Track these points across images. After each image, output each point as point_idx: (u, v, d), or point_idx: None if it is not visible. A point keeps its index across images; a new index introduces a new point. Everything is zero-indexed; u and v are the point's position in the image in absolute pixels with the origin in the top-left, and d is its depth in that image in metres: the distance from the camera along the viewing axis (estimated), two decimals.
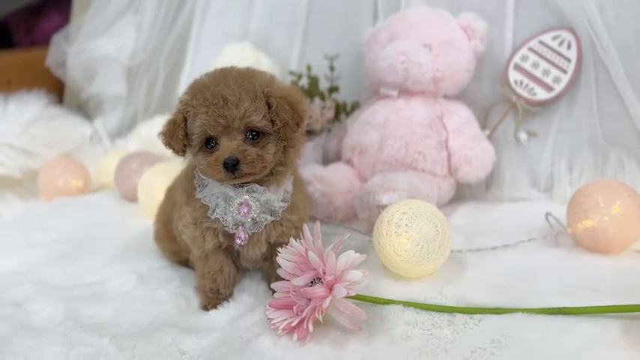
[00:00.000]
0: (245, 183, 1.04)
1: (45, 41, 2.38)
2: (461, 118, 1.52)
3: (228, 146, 0.99)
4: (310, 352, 0.95)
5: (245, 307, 1.14)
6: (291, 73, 1.74)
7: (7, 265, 1.40)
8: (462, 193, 1.60)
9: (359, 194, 1.39)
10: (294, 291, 1.04)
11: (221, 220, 1.07)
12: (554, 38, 1.55)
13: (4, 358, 0.99)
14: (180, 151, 1.04)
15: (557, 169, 1.56)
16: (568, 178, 1.55)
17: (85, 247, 1.47)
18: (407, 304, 1.06)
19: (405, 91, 1.53)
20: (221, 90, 0.99)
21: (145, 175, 1.60)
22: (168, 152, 1.09)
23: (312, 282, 1.02)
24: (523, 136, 1.59)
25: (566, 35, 1.54)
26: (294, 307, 1.02)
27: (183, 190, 1.14)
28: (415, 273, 1.15)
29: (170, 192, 1.29)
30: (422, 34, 1.51)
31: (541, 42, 1.57)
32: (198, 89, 1.02)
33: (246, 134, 1.00)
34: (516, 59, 1.59)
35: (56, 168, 1.88)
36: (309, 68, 1.71)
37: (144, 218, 1.57)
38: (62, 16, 2.52)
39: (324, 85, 1.71)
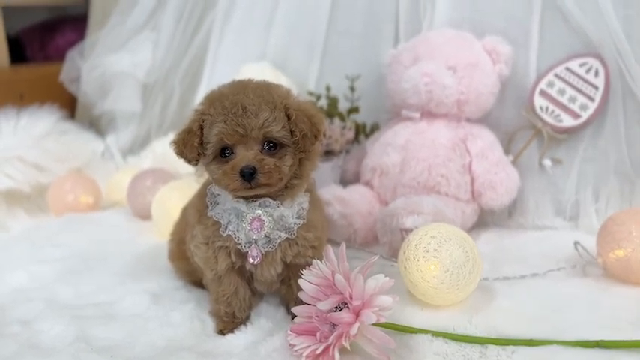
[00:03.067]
0: (258, 196, 1.01)
1: (58, 57, 2.37)
2: (485, 142, 1.49)
3: (245, 155, 0.96)
4: None
5: (263, 332, 1.09)
6: (310, 93, 1.72)
7: (16, 280, 1.35)
8: (484, 220, 1.55)
9: (381, 217, 1.35)
10: (317, 316, 0.99)
11: (233, 236, 1.03)
12: (582, 65, 1.53)
13: None
14: (194, 160, 1.01)
15: (583, 197, 1.53)
16: (594, 206, 1.51)
17: (97, 264, 1.42)
18: (436, 334, 1.02)
19: (427, 114, 1.50)
20: (240, 99, 0.97)
21: (159, 193, 1.56)
22: (183, 168, 1.07)
23: (337, 307, 0.98)
24: (548, 163, 1.55)
25: (594, 62, 1.52)
26: (318, 333, 0.97)
27: (196, 210, 1.11)
28: (444, 301, 1.10)
29: (184, 212, 1.26)
30: (446, 56, 1.49)
31: (568, 68, 1.55)
32: (216, 98, 1.00)
33: (263, 145, 0.98)
34: (542, 85, 1.56)
35: (66, 183, 1.84)
36: (328, 89, 1.69)
37: (157, 236, 1.54)
38: (77, 33, 2.51)
39: (342, 105, 1.68)
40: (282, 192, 1.02)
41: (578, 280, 1.24)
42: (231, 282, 1.10)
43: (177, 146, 1.03)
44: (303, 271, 1.00)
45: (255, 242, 1.04)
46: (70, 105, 2.32)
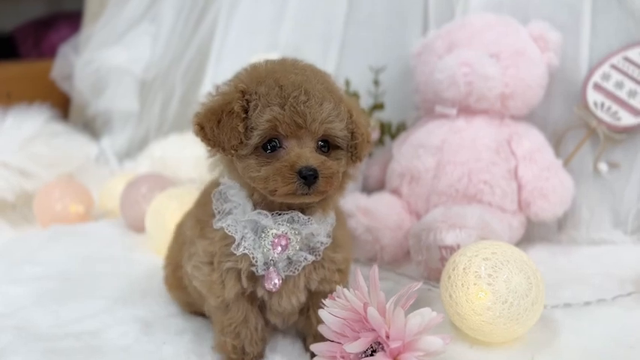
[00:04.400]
0: (289, 207, 0.85)
1: (52, 54, 2.23)
2: (533, 143, 1.29)
3: (302, 153, 0.79)
4: None
5: None
6: None
7: None
8: (528, 234, 1.35)
9: (414, 231, 1.15)
10: (343, 357, 0.79)
11: (250, 255, 0.84)
12: None
13: None
14: (232, 149, 0.80)
15: None
16: None
17: (81, 286, 1.25)
18: None
19: (465, 110, 1.30)
20: (302, 81, 0.80)
21: (154, 201, 1.38)
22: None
23: (369, 348, 0.78)
24: (604, 167, 1.35)
25: None
26: None
27: (196, 221, 0.92)
28: (499, 337, 0.90)
29: (179, 229, 1.05)
30: (488, 42, 1.30)
31: (626, 58, 1.35)
32: (269, 76, 0.81)
33: (317, 143, 0.81)
34: (596, 78, 1.36)
35: (55, 191, 1.67)
36: (347, 83, 1.49)
37: (152, 252, 1.37)
38: (72, 29, 2.37)
39: (365, 102, 1.49)
40: (315, 204, 0.85)
41: None
42: (240, 309, 0.91)
43: (209, 128, 0.81)
44: (326, 301, 0.82)
45: (275, 264, 0.86)
46: (63, 105, 2.17)
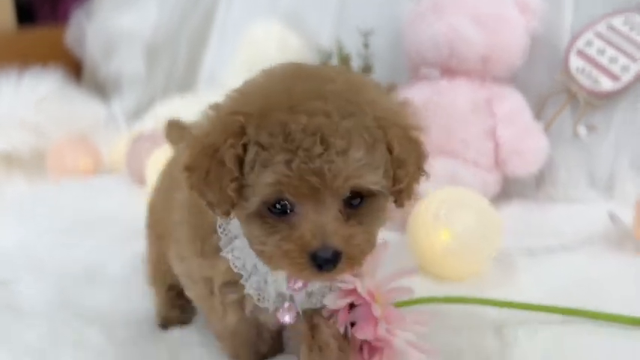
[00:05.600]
0: None
1: (67, 20, 2.28)
2: (513, 105, 1.35)
3: (319, 223, 0.57)
4: None
5: None
6: (320, 50, 1.59)
7: (1, 243, 1.30)
8: (508, 190, 1.41)
9: None
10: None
11: (255, 296, 0.69)
12: (625, 22, 1.37)
13: None
14: (224, 212, 0.60)
15: (619, 167, 1.38)
16: (631, 177, 1.36)
17: (88, 228, 1.35)
18: (446, 300, 0.89)
19: (448, 71, 1.36)
20: (319, 125, 0.56)
21: (153, 155, 1.46)
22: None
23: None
24: (583, 130, 1.40)
25: (638, 18, 1.36)
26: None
27: (193, 230, 0.71)
28: (455, 272, 0.98)
29: (164, 199, 0.84)
30: (470, 7, 1.34)
31: (609, 26, 1.39)
32: (270, 110, 0.58)
33: (345, 199, 0.59)
34: (580, 44, 1.40)
35: (66, 148, 1.79)
36: (339, 45, 1.55)
37: None
38: None
39: (355, 63, 1.54)
40: None
41: (614, 256, 1.11)
42: (243, 329, 0.78)
43: (196, 180, 0.60)
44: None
45: (291, 298, 0.70)
46: (75, 69, 2.24)
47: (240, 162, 0.58)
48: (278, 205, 0.58)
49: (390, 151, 0.60)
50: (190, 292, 0.77)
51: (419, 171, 0.64)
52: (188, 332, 0.92)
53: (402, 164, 0.61)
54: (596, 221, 1.22)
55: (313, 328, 0.73)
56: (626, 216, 1.14)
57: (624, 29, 1.38)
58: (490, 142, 1.33)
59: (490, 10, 1.34)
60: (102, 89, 2.20)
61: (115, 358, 0.86)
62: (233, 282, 0.69)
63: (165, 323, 0.94)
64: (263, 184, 0.57)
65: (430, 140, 1.31)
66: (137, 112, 2.07)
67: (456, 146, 1.31)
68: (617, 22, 1.39)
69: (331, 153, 0.55)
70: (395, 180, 0.61)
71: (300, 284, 0.66)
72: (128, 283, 1.09)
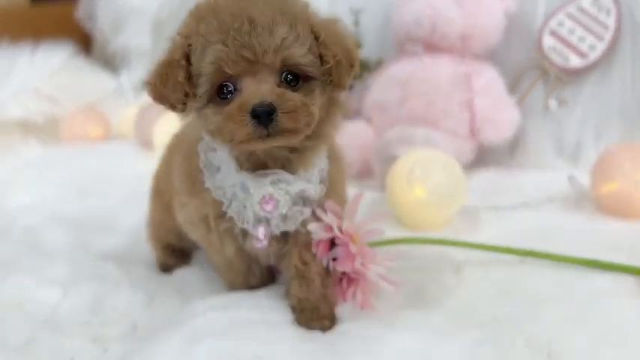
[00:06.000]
0: (267, 167, 0.76)
1: None
2: (488, 79, 1.47)
3: (257, 89, 0.68)
4: None
5: None
6: None
7: (23, 200, 1.43)
8: (484, 158, 1.54)
9: (375, 147, 1.36)
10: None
11: (237, 217, 0.79)
12: (593, 4, 1.49)
13: (14, 273, 1.01)
14: (179, 103, 0.71)
15: (585, 138, 1.51)
16: (595, 147, 1.48)
17: (99, 187, 1.49)
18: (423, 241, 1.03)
19: (431, 47, 1.48)
20: (244, 9, 0.68)
21: (160, 121, 1.59)
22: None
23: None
24: (554, 104, 1.53)
25: (606, 1, 1.48)
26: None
27: (186, 175, 0.83)
28: (427, 223, 1.11)
29: (157, 181, 1.01)
30: None
31: (579, 8, 1.51)
32: (208, 11, 0.71)
33: (281, 75, 0.70)
34: (552, 24, 1.52)
35: (78, 116, 1.93)
36: None
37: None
38: None
39: None
40: (291, 157, 0.76)
41: (570, 213, 1.23)
42: (242, 261, 0.89)
43: (154, 87, 0.72)
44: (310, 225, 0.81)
45: (267, 222, 0.79)
46: (86, 43, 2.35)
47: (188, 58, 0.70)
48: (225, 90, 0.70)
49: (316, 36, 0.70)
50: (193, 234, 0.89)
51: (348, 65, 0.73)
52: (192, 270, 1.05)
53: (327, 48, 0.70)
54: (559, 185, 1.34)
55: (303, 264, 0.84)
56: (587, 180, 1.26)
57: (592, 10, 1.50)
58: (467, 113, 1.45)
59: None
60: (111, 62, 2.31)
61: (130, 288, 0.98)
62: (221, 213, 0.80)
63: (165, 269, 1.08)
64: (206, 63, 0.68)
65: (412, 109, 1.44)
66: (144, 84, 2.18)
67: (437, 116, 1.43)
68: (586, 3, 1.51)
69: (259, 30, 0.67)
70: (322, 60, 0.71)
71: (270, 206, 0.76)
72: (138, 232, 1.18)
